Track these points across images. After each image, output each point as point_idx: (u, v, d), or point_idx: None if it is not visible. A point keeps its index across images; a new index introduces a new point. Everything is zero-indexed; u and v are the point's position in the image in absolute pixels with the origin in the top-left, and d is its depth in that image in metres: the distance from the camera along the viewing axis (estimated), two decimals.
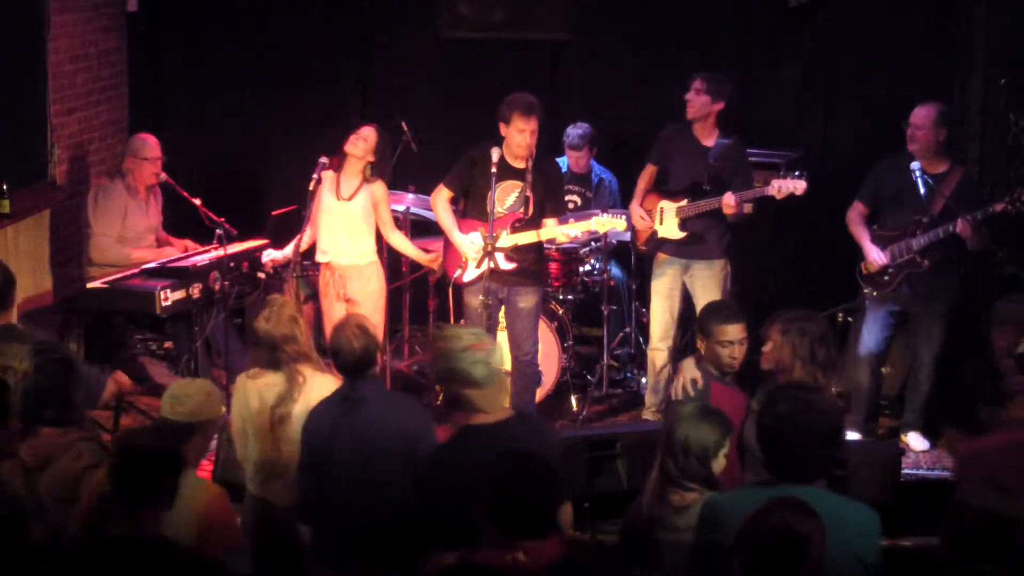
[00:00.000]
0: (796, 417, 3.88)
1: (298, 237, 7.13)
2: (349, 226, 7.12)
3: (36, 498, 4.42)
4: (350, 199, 7.10)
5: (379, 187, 7.15)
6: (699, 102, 7.24)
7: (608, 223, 7.07)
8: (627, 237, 7.68)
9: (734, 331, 5.22)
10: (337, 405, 4.93)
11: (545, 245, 7.21)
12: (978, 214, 6.67)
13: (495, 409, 4.43)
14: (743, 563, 3.38)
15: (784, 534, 3.35)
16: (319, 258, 7.23)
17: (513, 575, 3.65)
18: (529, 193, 6.93)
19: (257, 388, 5.32)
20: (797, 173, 7.01)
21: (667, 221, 7.34)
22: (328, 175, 7.15)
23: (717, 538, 3.87)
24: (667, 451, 4.34)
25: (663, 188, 7.40)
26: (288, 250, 7.24)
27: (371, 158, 7.10)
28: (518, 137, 6.82)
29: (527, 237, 6.96)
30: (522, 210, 6.97)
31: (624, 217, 7.27)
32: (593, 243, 7.92)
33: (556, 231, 7.00)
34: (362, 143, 7.09)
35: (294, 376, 5.29)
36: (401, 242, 7.38)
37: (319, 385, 5.25)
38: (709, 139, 7.29)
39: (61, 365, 4.69)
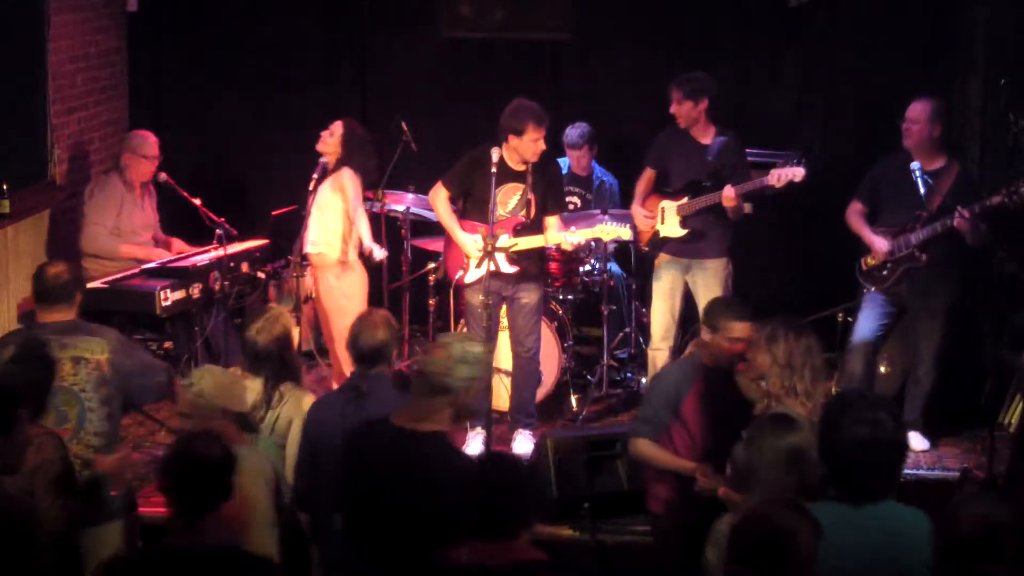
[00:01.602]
0: (869, 438, 3.77)
1: (300, 237, 7.13)
2: (314, 215, 7.07)
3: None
4: (318, 188, 7.08)
5: (345, 174, 7.00)
6: (684, 110, 7.25)
7: (613, 231, 7.08)
8: (629, 237, 7.65)
9: (741, 328, 5.20)
10: (344, 394, 5.00)
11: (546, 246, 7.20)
12: (975, 207, 6.67)
13: (428, 418, 4.45)
14: (732, 558, 3.38)
15: (770, 530, 3.34)
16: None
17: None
18: (530, 196, 6.93)
19: None
20: (795, 160, 7.02)
21: (668, 220, 7.35)
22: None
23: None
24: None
25: (664, 189, 7.42)
26: None
27: (338, 152, 7.02)
28: (533, 147, 6.79)
29: (529, 242, 6.95)
30: (523, 213, 6.97)
31: (628, 225, 7.27)
32: (593, 243, 7.92)
33: (559, 237, 6.97)
34: (329, 137, 7.07)
35: (269, 390, 5.32)
36: (362, 227, 7.09)
37: (299, 402, 5.31)
38: (706, 137, 7.31)
39: (42, 360, 4.66)
